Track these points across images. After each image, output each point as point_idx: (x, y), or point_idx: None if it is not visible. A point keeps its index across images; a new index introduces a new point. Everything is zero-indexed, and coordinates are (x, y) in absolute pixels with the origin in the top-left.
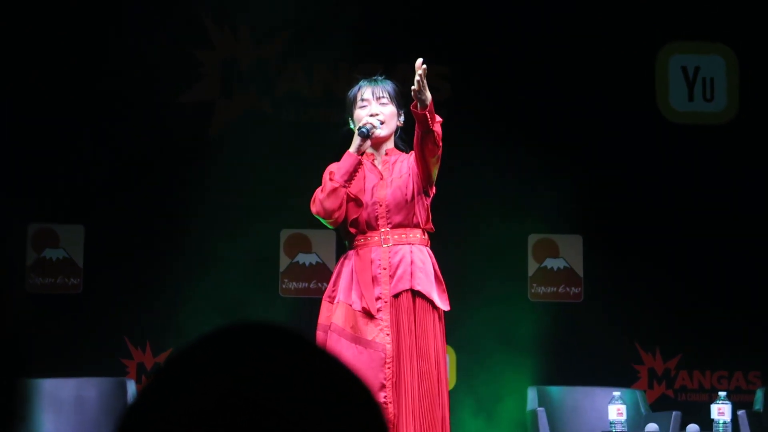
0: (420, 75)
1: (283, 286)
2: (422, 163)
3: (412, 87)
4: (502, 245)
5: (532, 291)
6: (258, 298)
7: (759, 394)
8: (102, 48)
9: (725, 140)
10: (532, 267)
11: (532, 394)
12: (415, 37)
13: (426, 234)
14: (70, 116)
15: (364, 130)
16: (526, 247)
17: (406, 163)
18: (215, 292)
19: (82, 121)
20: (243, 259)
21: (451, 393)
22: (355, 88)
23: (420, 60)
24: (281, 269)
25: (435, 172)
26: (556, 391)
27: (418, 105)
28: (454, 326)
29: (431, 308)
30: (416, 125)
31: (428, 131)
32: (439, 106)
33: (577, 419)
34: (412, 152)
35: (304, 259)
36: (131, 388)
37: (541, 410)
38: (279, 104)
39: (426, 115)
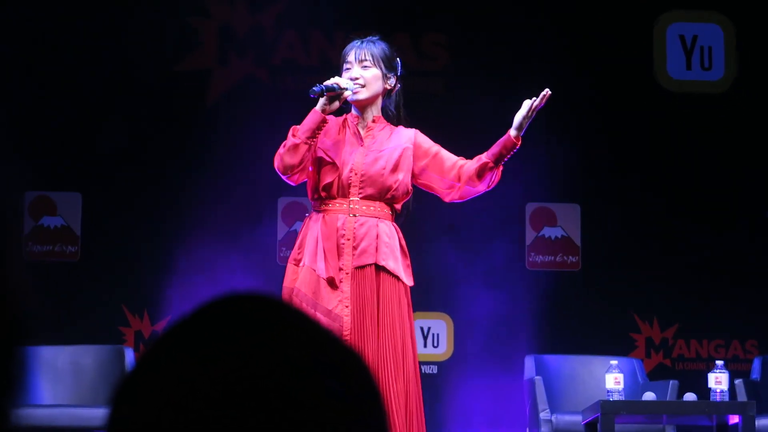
0: (539, 101)
1: (281, 255)
2: (437, 186)
3: (528, 105)
4: (499, 214)
5: (530, 260)
6: (256, 266)
7: (756, 363)
8: (98, 17)
9: (723, 109)
10: (530, 236)
11: (529, 362)
12: (413, 5)
13: (392, 210)
14: (66, 84)
15: (315, 88)
16: (524, 215)
17: (396, 139)
18: (213, 260)
19: (78, 90)
20: (240, 227)
21: (448, 362)
22: (345, 50)
23: (548, 90)
24: (278, 237)
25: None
26: (553, 359)
27: (515, 130)
28: (451, 295)
29: (395, 282)
30: (488, 153)
31: (496, 165)
32: (436, 75)
33: (574, 388)
34: (410, 129)
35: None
36: (129, 355)
37: (538, 379)
38: (275, 72)
39: (513, 143)
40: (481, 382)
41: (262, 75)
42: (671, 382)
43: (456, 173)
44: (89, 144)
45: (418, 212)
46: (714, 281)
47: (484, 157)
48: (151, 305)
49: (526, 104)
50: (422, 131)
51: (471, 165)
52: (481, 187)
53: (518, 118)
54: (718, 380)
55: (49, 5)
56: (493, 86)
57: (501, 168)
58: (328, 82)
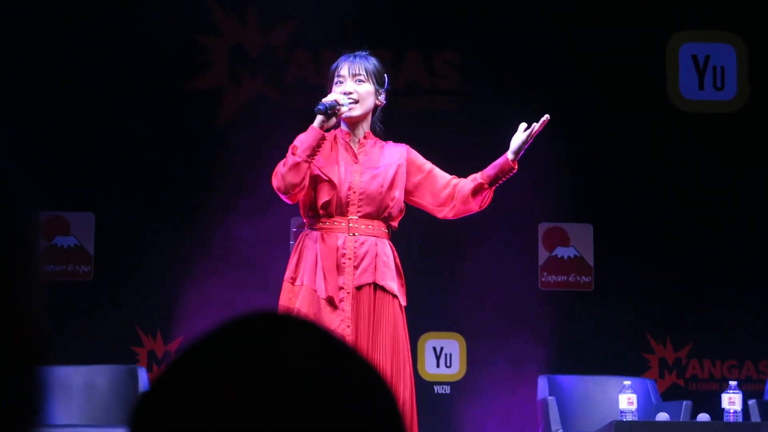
0: (538, 126)
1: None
2: (428, 203)
3: (525, 129)
4: (512, 233)
5: (543, 280)
6: (268, 286)
7: None
8: (111, 36)
9: (736, 129)
10: (543, 256)
11: (542, 383)
12: (424, 25)
13: (389, 228)
14: (81, 104)
15: (321, 107)
16: (537, 235)
17: (389, 155)
18: (226, 280)
19: (93, 109)
20: (253, 247)
21: (460, 382)
22: (335, 64)
23: (547, 116)
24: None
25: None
26: (566, 380)
27: (512, 154)
28: (464, 315)
29: (391, 301)
30: (484, 174)
31: (491, 187)
32: (447, 94)
33: (587, 408)
34: (401, 145)
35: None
36: (142, 375)
37: (551, 399)
38: (287, 91)
39: (510, 167)
40: (493, 403)
41: (273, 94)
42: (685, 402)
43: (450, 191)
44: (102, 164)
45: (430, 232)
46: (727, 302)
47: (479, 178)
48: (164, 325)
49: (522, 127)
50: (433, 150)
51: (466, 184)
52: (474, 207)
53: (515, 142)
54: (731, 401)
55: (60, 26)
56: (505, 105)
57: (494, 189)
58: (328, 100)
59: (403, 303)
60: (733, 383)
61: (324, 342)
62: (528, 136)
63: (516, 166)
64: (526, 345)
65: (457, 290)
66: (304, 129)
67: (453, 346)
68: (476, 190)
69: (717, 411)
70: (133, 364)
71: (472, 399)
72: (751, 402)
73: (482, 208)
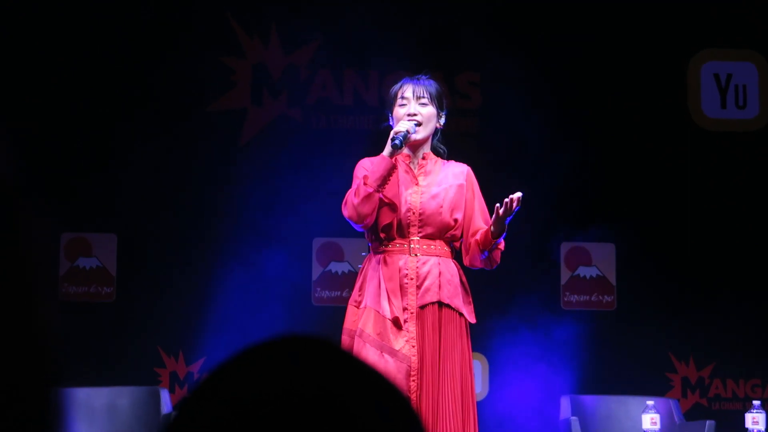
0: (510, 202)
1: (316, 295)
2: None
3: (498, 207)
4: (534, 253)
5: (565, 299)
6: (291, 306)
7: None
8: (133, 57)
9: (758, 147)
10: (565, 275)
11: (565, 403)
12: (445, 45)
13: (452, 248)
14: (103, 125)
15: (397, 142)
16: (559, 255)
17: (449, 176)
18: (248, 301)
19: (115, 130)
20: (275, 268)
21: (484, 402)
22: (397, 85)
23: (511, 197)
24: (313, 278)
25: None
26: (589, 400)
27: (494, 231)
28: (486, 335)
29: (458, 319)
30: (484, 237)
31: (489, 250)
32: (470, 114)
33: (610, 428)
34: (462, 165)
35: (336, 267)
36: (164, 396)
37: (574, 419)
38: (309, 112)
39: (493, 242)
40: (516, 423)
41: (295, 114)
42: (708, 422)
43: (473, 242)
44: (124, 185)
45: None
46: (750, 321)
47: (478, 237)
48: (186, 346)
49: (497, 212)
50: None
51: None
52: (479, 264)
53: (493, 223)
54: (755, 420)
55: (83, 48)
56: (527, 125)
57: (499, 250)
58: (400, 130)
59: (471, 320)
60: (756, 403)
61: (350, 364)
62: (503, 217)
63: (497, 239)
64: (549, 365)
65: (479, 310)
66: (325, 150)
67: (476, 366)
68: (479, 252)
69: (740, 431)
70: (156, 385)
71: (495, 419)
72: None
73: (493, 267)
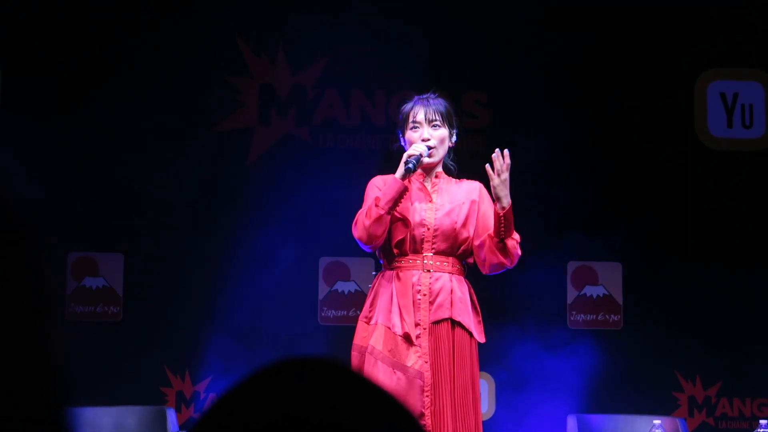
0: (499, 168)
1: (322, 314)
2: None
3: (492, 181)
4: (540, 272)
5: (572, 318)
6: (297, 326)
7: None
8: (140, 77)
9: (764, 167)
10: (572, 294)
11: (572, 422)
12: (452, 64)
13: (464, 266)
14: (110, 144)
15: (411, 165)
16: (566, 274)
17: (463, 193)
18: (255, 320)
19: (121, 150)
20: (282, 287)
21: (490, 421)
22: (408, 106)
23: (498, 151)
24: (320, 297)
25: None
26: (596, 419)
27: (497, 203)
28: (492, 354)
29: (468, 338)
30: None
31: (501, 239)
32: (477, 133)
33: None
34: (474, 182)
35: (342, 287)
36: (171, 416)
37: None
38: (316, 131)
39: (501, 218)
40: None
41: (302, 134)
42: None
43: (482, 242)
44: (131, 204)
45: None
46: (757, 339)
47: (491, 232)
48: (192, 365)
49: (490, 174)
50: None
51: (487, 238)
52: (503, 260)
53: (492, 191)
54: None
55: (90, 60)
56: (534, 145)
57: (513, 239)
58: (413, 153)
59: (481, 340)
60: (763, 422)
61: (359, 385)
62: (495, 179)
63: (504, 212)
64: (555, 384)
65: (486, 330)
66: (332, 169)
67: (482, 386)
68: (488, 242)
69: None
70: (162, 405)
71: None
72: None
73: (514, 261)
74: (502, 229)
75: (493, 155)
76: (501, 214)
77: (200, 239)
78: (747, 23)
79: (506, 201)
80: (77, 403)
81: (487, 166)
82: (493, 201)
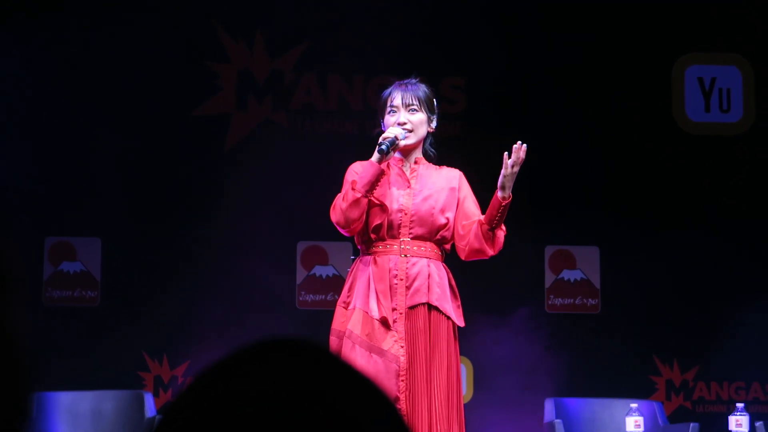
0: (514, 157)
1: (300, 299)
2: (456, 234)
3: (505, 170)
4: (518, 257)
5: (549, 303)
6: (275, 310)
7: None
8: (117, 62)
9: (742, 151)
10: (549, 278)
11: (549, 406)
12: (430, 49)
13: (442, 251)
14: (86, 130)
15: (384, 147)
16: (543, 258)
17: (442, 179)
18: (232, 305)
19: (98, 135)
20: (260, 271)
21: (467, 405)
22: (387, 91)
23: (520, 143)
24: (298, 282)
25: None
26: (573, 403)
27: (500, 191)
28: (470, 338)
29: (446, 322)
30: (486, 215)
31: (491, 228)
32: (454, 118)
33: (594, 431)
34: (454, 170)
35: (320, 271)
36: (149, 400)
37: (558, 422)
38: (294, 116)
39: (501, 206)
40: (501, 426)
41: (280, 119)
42: (692, 424)
43: (469, 224)
44: (108, 189)
45: None
46: (734, 323)
47: (482, 218)
48: (170, 350)
49: (506, 162)
50: None
51: (476, 224)
52: (486, 248)
53: (500, 178)
54: (738, 423)
55: (66, 49)
56: (512, 129)
57: (502, 231)
58: (388, 137)
59: (460, 324)
60: (740, 405)
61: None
62: (508, 169)
63: (506, 202)
64: (533, 368)
65: (465, 314)
66: (309, 154)
67: (461, 369)
68: (479, 230)
69: None
70: (140, 389)
71: (479, 422)
72: (759, 424)
73: (496, 252)
74: (498, 217)
75: (515, 146)
76: (503, 203)
77: (177, 224)
78: (724, 8)
79: (509, 192)
80: (52, 387)
81: (506, 154)
82: (497, 188)
